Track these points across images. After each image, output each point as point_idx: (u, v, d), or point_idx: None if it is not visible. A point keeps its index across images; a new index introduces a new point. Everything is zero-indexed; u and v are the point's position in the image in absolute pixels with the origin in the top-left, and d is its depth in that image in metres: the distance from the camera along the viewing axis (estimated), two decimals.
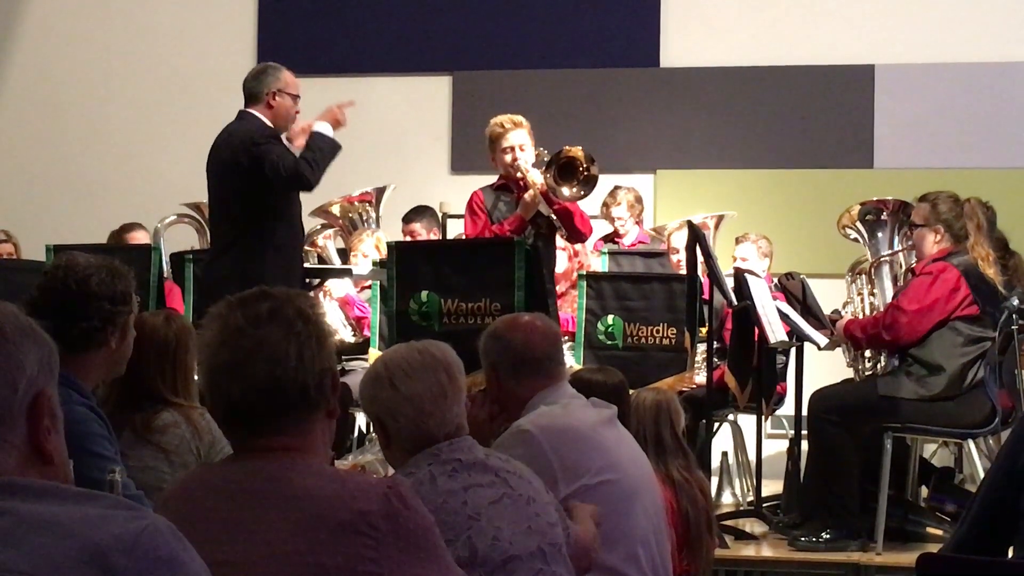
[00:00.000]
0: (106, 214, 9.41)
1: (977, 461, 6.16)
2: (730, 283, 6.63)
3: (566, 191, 6.32)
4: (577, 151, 6.36)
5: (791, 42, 9.49)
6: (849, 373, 6.59)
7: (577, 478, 3.52)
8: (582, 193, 6.35)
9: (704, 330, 6.60)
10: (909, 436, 6.27)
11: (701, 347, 6.67)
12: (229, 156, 6.04)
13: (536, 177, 6.29)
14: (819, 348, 6.54)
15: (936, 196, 6.15)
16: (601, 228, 8.25)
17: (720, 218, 7.82)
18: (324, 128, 6.12)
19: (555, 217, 6.30)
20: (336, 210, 8.24)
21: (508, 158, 6.35)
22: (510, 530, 2.91)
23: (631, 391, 4.88)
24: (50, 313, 3.29)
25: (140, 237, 8.38)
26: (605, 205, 8.14)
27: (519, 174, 6.34)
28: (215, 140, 6.23)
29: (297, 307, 2.36)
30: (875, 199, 6.70)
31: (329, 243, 8.34)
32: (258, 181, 5.94)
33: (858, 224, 6.65)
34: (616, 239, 8.13)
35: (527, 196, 6.28)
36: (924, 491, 6.67)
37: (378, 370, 3.03)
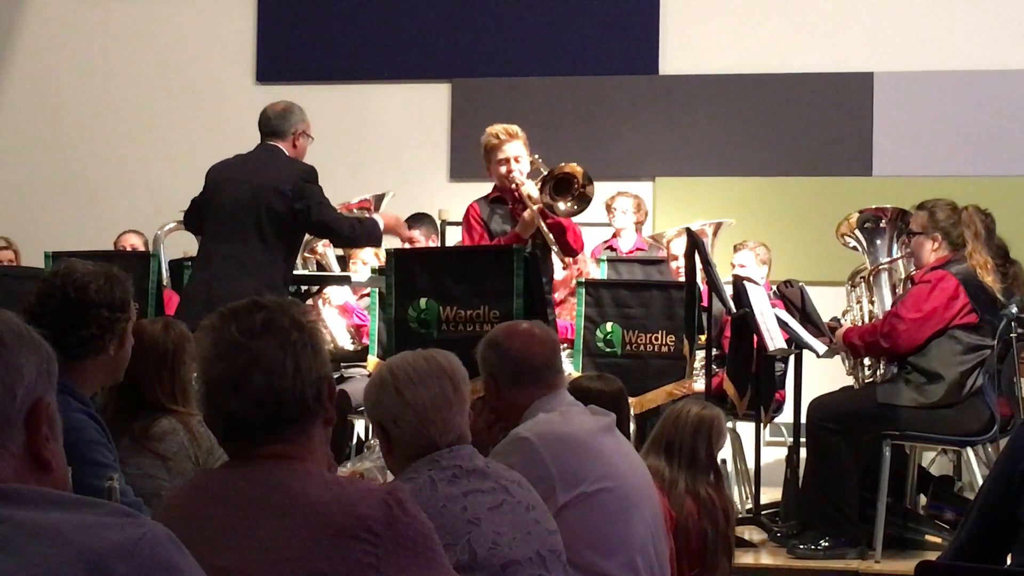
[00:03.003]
0: (105, 221, 9.42)
1: (976, 469, 6.16)
2: (729, 291, 6.63)
3: (561, 206, 6.32)
4: (575, 168, 6.36)
5: (790, 50, 9.49)
6: (848, 381, 6.59)
7: (575, 486, 3.52)
8: (576, 209, 6.34)
9: (703, 337, 6.59)
10: (908, 444, 6.27)
11: (700, 354, 6.67)
12: (270, 180, 6.10)
13: (532, 191, 6.29)
14: (818, 356, 6.54)
15: (934, 204, 6.15)
16: (599, 236, 8.26)
17: (718, 225, 7.82)
18: (380, 221, 6.42)
19: (549, 238, 6.29)
20: None
21: (503, 170, 6.35)
22: (509, 535, 2.91)
23: (631, 399, 4.87)
24: (48, 320, 3.30)
25: (135, 241, 8.39)
26: (610, 198, 8.16)
27: (514, 186, 6.34)
28: (238, 161, 6.28)
29: (291, 316, 2.36)
30: (873, 207, 6.70)
31: (329, 251, 8.33)
32: (294, 210, 6.08)
33: (856, 232, 6.65)
34: (613, 244, 8.14)
35: (526, 215, 6.28)
36: (923, 499, 6.67)
37: (383, 375, 3.04)
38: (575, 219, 6.46)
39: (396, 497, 2.27)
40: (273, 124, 6.27)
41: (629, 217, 8.18)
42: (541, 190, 6.28)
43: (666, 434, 4.56)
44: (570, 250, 6.52)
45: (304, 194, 6.07)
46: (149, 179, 10.15)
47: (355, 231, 6.26)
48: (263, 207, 6.07)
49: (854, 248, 6.75)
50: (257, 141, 6.35)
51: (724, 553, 4.61)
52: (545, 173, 6.38)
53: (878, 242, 6.61)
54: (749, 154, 9.48)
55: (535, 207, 6.24)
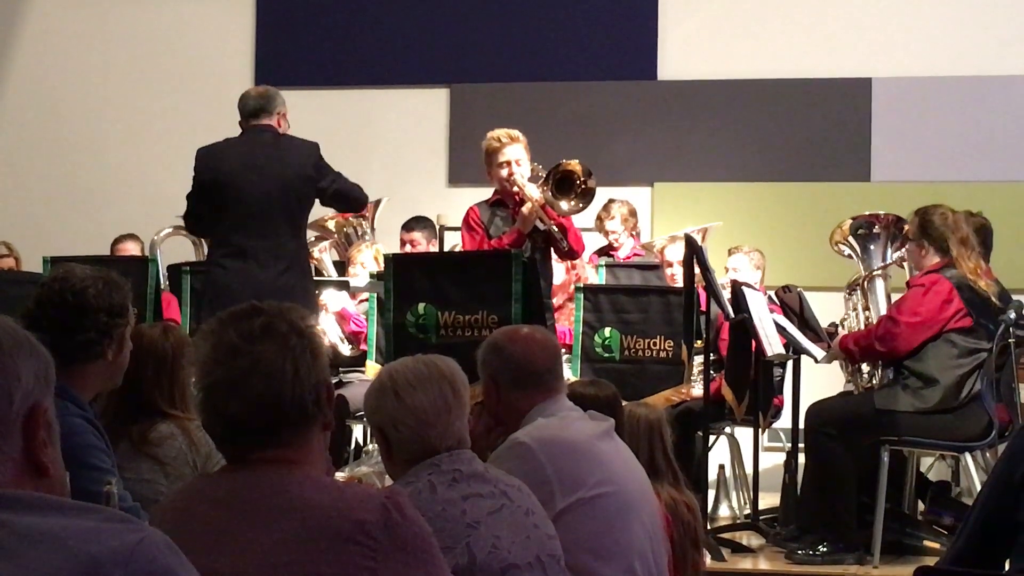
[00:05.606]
0: (104, 226, 9.41)
1: (974, 474, 6.16)
2: (727, 295, 6.62)
3: (564, 205, 6.33)
4: (574, 164, 6.37)
5: (789, 55, 9.50)
6: (847, 386, 6.59)
7: (574, 491, 3.51)
8: (580, 206, 6.36)
9: (700, 342, 6.59)
10: (906, 449, 6.27)
11: (698, 359, 6.66)
12: (293, 166, 6.15)
13: (533, 192, 6.30)
14: (816, 361, 6.54)
15: (925, 210, 6.15)
16: (596, 241, 8.25)
17: (705, 231, 7.81)
18: None
19: (554, 229, 6.30)
20: (331, 224, 8.25)
21: (504, 172, 6.36)
22: (509, 539, 2.91)
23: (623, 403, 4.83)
24: (47, 325, 3.30)
25: (132, 248, 8.39)
26: (599, 219, 8.12)
27: (515, 188, 6.35)
28: (244, 148, 6.22)
29: (290, 321, 2.36)
30: (867, 213, 6.70)
31: (325, 256, 8.34)
32: (319, 189, 6.19)
33: (850, 239, 6.65)
34: (611, 252, 8.12)
35: (525, 210, 6.29)
36: (921, 505, 6.66)
37: (383, 380, 3.05)
38: (574, 220, 6.46)
39: (394, 501, 2.27)
40: (260, 104, 6.30)
41: (624, 233, 8.13)
42: (543, 189, 6.30)
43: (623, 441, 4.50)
44: (571, 252, 6.52)
45: (324, 170, 6.20)
46: (147, 184, 10.15)
47: (363, 191, 6.38)
48: (293, 197, 6.15)
49: (849, 256, 6.75)
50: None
51: (694, 547, 4.56)
52: (544, 175, 6.39)
53: (872, 248, 6.62)
54: (747, 159, 9.48)
55: (535, 200, 6.25)
